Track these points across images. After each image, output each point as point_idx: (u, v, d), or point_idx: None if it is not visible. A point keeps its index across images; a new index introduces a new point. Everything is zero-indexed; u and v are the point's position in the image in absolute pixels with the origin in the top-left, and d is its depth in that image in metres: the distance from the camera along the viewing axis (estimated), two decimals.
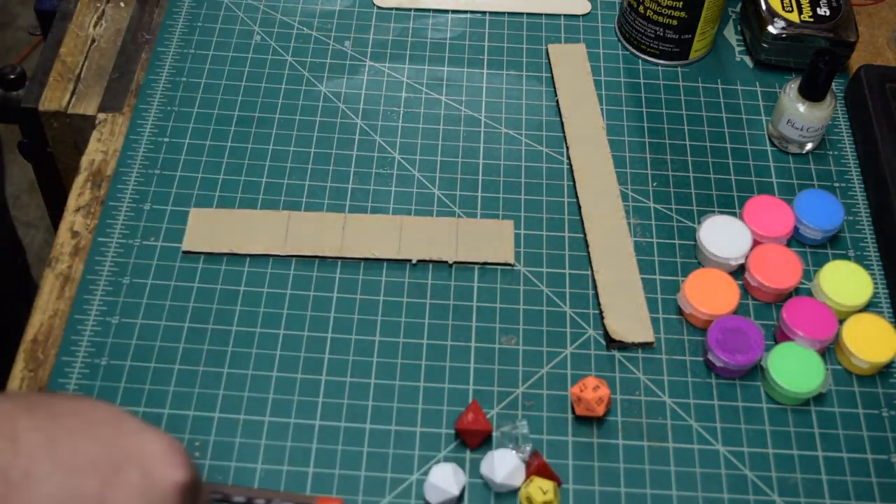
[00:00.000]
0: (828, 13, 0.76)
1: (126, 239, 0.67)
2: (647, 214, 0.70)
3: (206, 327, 0.63)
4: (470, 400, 0.61)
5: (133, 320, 0.63)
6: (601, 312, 0.65)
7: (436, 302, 0.65)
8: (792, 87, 0.71)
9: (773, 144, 0.74)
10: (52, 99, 0.76)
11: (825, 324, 0.62)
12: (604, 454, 0.59)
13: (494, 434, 0.59)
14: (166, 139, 0.72)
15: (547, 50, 0.79)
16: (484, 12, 0.82)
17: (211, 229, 0.67)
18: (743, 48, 0.81)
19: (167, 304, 0.64)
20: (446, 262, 0.66)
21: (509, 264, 0.66)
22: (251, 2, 0.82)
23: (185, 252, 0.66)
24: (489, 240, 0.67)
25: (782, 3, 0.77)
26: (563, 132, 0.74)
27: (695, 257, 0.68)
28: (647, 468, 0.59)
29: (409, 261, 0.66)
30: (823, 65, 0.68)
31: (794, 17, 0.76)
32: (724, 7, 0.77)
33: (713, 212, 0.69)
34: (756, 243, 0.67)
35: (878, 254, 0.69)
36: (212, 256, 0.66)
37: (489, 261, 0.66)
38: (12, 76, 0.81)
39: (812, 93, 0.70)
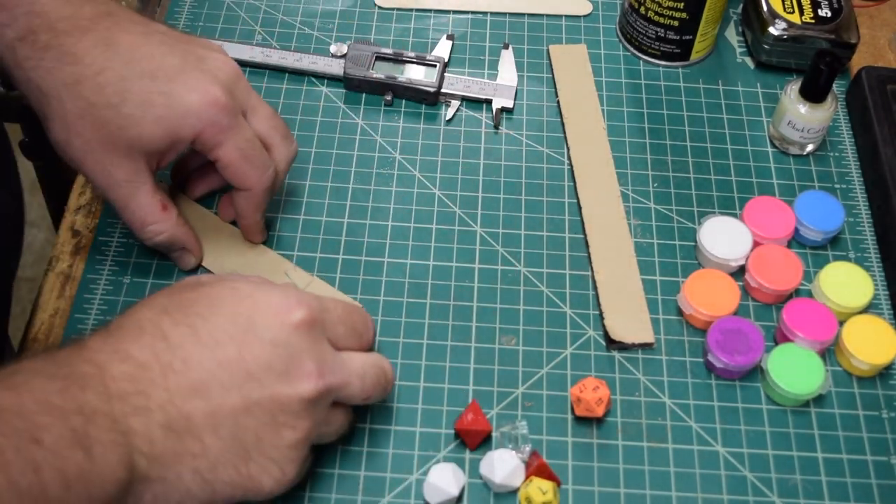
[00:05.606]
0: (829, 14, 0.76)
1: (127, 238, 0.67)
2: (648, 215, 0.70)
3: None
4: (470, 400, 0.61)
5: None
6: (601, 313, 0.65)
7: (436, 302, 0.65)
8: (793, 88, 0.71)
9: (773, 145, 0.74)
10: None
11: (825, 325, 0.62)
12: (603, 455, 0.59)
13: (494, 434, 0.59)
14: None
15: (548, 50, 0.79)
16: (485, 13, 0.82)
17: None
18: (744, 49, 0.81)
19: None
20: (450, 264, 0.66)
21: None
22: (253, 1, 0.82)
23: None
24: None
25: (783, 4, 0.77)
26: (564, 132, 0.74)
27: (695, 258, 0.68)
28: (646, 469, 0.59)
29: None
30: (824, 66, 0.68)
31: (795, 18, 0.76)
32: (725, 8, 0.77)
33: (713, 213, 0.69)
34: (756, 244, 0.67)
35: (878, 255, 0.69)
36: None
37: None
38: None
39: (813, 94, 0.70)
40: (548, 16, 0.82)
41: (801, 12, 0.76)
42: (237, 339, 0.50)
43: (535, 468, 0.57)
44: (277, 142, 0.63)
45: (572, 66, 0.78)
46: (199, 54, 0.60)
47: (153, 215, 0.61)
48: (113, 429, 0.46)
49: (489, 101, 0.75)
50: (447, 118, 0.75)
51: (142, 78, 0.57)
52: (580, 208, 0.70)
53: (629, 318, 0.64)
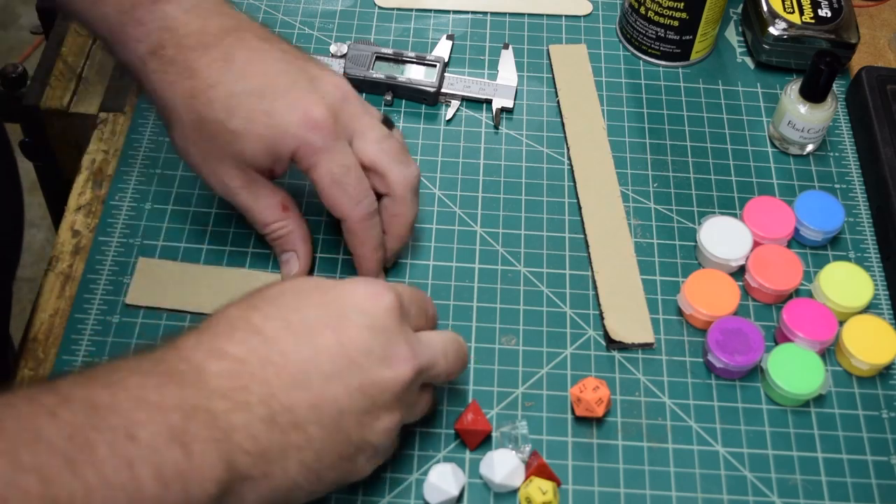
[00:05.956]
0: (829, 14, 0.76)
1: (127, 238, 0.67)
2: (648, 215, 0.70)
3: None
4: (470, 400, 0.61)
5: (133, 319, 0.63)
6: (601, 313, 0.65)
7: (436, 302, 0.65)
8: (793, 88, 0.71)
9: (773, 145, 0.74)
10: (54, 98, 0.76)
11: (825, 325, 0.62)
12: (603, 455, 0.59)
13: (494, 434, 0.59)
14: (168, 139, 0.72)
15: (548, 50, 0.79)
16: (485, 13, 0.82)
17: (158, 283, 0.65)
18: (744, 49, 0.81)
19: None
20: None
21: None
22: (253, 2, 0.82)
23: (127, 305, 0.64)
24: None
25: (783, 4, 0.77)
26: (564, 132, 0.74)
27: (695, 258, 0.68)
28: (646, 469, 0.59)
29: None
30: (824, 66, 0.68)
31: (795, 18, 0.76)
32: (725, 8, 0.77)
33: (714, 213, 0.69)
34: (756, 244, 0.67)
35: (878, 255, 0.69)
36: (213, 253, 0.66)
37: None
38: (14, 75, 0.81)
39: (813, 94, 0.70)
40: (548, 16, 0.82)
41: (801, 12, 0.76)
42: (332, 326, 0.50)
43: (535, 468, 0.57)
44: (389, 166, 0.60)
45: (572, 66, 0.78)
46: (312, 73, 0.60)
47: (274, 216, 0.62)
48: (213, 425, 0.45)
49: (489, 101, 0.75)
50: (447, 118, 0.75)
51: (250, 95, 0.58)
52: (580, 208, 0.70)
53: (629, 318, 0.64)
